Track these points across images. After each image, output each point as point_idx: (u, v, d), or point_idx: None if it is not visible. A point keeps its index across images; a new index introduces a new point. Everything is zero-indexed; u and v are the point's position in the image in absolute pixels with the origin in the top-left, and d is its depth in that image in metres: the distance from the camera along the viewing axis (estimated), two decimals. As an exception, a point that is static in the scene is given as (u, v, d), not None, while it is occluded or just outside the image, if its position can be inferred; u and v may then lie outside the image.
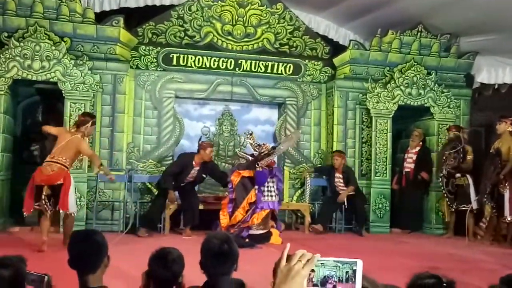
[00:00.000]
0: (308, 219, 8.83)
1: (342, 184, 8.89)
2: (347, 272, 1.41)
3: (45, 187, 6.39)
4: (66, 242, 5.67)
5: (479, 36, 9.26)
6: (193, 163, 8.02)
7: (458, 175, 8.65)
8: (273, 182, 7.70)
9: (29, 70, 7.81)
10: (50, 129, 7.03)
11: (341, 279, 1.41)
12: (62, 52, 7.93)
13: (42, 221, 6.48)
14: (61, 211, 6.52)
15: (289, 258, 1.44)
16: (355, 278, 1.41)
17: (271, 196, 7.64)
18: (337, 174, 8.93)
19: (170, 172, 8.03)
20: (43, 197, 6.37)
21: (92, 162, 7.52)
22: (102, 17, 8.61)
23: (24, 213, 6.58)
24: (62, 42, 8.03)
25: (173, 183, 7.95)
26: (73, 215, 6.65)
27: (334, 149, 9.30)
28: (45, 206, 6.39)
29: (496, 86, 9.93)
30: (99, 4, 9.12)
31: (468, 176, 8.61)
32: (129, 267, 4.93)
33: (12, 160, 8.44)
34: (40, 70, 7.86)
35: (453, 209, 8.77)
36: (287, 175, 9.53)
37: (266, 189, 7.62)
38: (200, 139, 8.28)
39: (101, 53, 8.42)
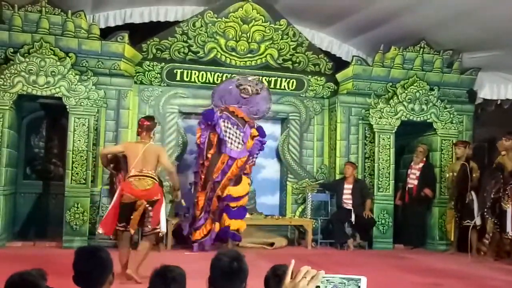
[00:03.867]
0: (310, 234, 8.82)
1: (349, 197, 8.90)
2: (352, 290, 1.42)
3: (139, 205, 5.62)
4: (138, 267, 5.45)
5: (481, 52, 9.30)
6: None
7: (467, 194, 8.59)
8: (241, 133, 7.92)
9: (34, 85, 7.86)
10: (111, 149, 6.24)
11: None
12: (67, 67, 7.98)
13: (123, 248, 5.67)
14: (153, 229, 5.73)
15: (293, 274, 1.45)
16: None
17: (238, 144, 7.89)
18: (346, 186, 8.96)
19: None
20: (142, 214, 5.61)
21: (171, 179, 6.44)
22: (107, 33, 8.68)
23: (105, 235, 6.00)
24: (67, 58, 8.09)
25: None
26: (158, 236, 5.96)
27: (337, 164, 9.32)
28: (132, 226, 5.62)
29: (498, 102, 9.95)
30: (104, 20, 9.23)
31: (472, 192, 8.58)
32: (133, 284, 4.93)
33: (16, 175, 8.46)
34: (45, 86, 7.90)
35: (457, 225, 8.73)
36: (289, 190, 9.53)
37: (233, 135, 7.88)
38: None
39: (105, 69, 8.48)
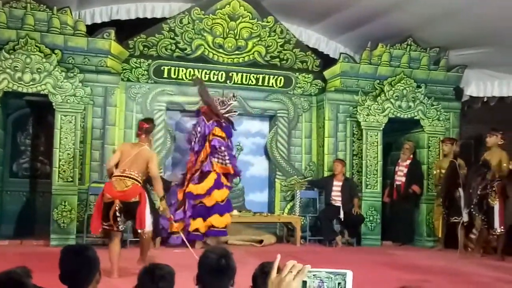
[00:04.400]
0: (299, 231, 8.83)
1: (338, 194, 8.92)
2: (339, 284, 1.42)
3: (116, 204, 5.65)
4: (144, 260, 5.63)
5: (468, 50, 9.36)
6: None
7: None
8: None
9: (20, 82, 7.78)
10: (114, 159, 6.05)
11: None
12: (53, 64, 7.91)
13: (112, 246, 5.72)
14: (138, 230, 5.89)
15: (279, 269, 1.44)
16: None
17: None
18: (335, 182, 8.99)
19: None
20: (114, 214, 5.64)
21: (154, 186, 6.21)
22: (93, 30, 8.62)
23: (93, 233, 6.11)
24: (53, 55, 8.02)
25: None
26: (149, 234, 6.02)
27: (325, 161, 9.34)
28: (115, 224, 5.67)
29: (485, 99, 10.02)
30: (90, 17, 9.16)
31: (459, 188, 8.64)
32: (122, 282, 4.91)
33: (2, 173, 8.38)
34: (31, 83, 7.83)
35: (445, 222, 8.80)
36: (278, 187, 9.54)
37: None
38: None
39: (92, 66, 8.42)
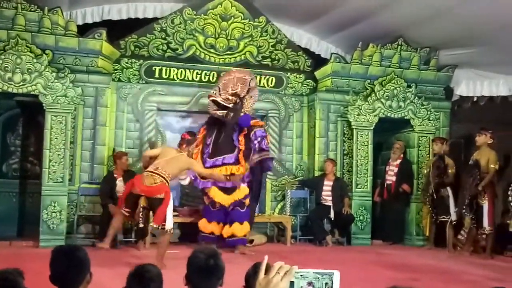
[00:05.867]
0: (289, 231, 8.85)
1: (329, 194, 8.95)
2: (326, 284, 1.44)
3: (142, 198, 6.32)
4: (160, 260, 5.88)
5: (458, 50, 9.41)
6: (115, 175, 8.13)
7: (442, 190, 8.71)
8: None
9: (10, 82, 7.74)
10: (151, 152, 6.99)
11: None
12: (43, 64, 7.88)
13: (114, 221, 6.49)
14: (154, 225, 6.30)
15: (267, 270, 1.46)
16: None
17: None
18: (326, 182, 9.01)
19: (101, 190, 8.10)
20: (140, 208, 6.35)
21: (208, 176, 7.40)
22: (84, 30, 8.59)
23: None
24: (44, 55, 7.99)
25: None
26: (170, 232, 6.31)
27: (316, 161, 9.37)
28: (140, 217, 6.40)
29: (474, 99, 10.07)
30: (81, 17, 9.13)
31: (448, 188, 8.71)
32: (112, 282, 4.90)
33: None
34: (21, 83, 7.79)
35: (433, 221, 8.87)
36: (269, 187, 9.54)
37: None
38: (114, 150, 8.55)
39: (83, 66, 8.40)
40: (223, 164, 7.75)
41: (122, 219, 6.54)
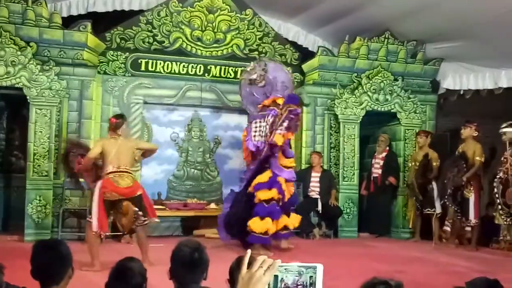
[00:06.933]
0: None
1: (317, 185, 8.95)
2: (311, 277, 1.43)
3: (125, 209, 5.88)
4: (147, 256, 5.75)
5: (444, 43, 9.44)
6: None
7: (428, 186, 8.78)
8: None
9: (-6, 75, 7.66)
10: (93, 151, 6.15)
11: (305, 284, 1.43)
12: (28, 57, 7.80)
13: (95, 239, 5.84)
14: (156, 220, 6.26)
15: (250, 264, 1.44)
16: None
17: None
18: (313, 174, 9.02)
19: None
20: (132, 212, 5.85)
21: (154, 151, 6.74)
22: (69, 22, 8.50)
23: (101, 233, 5.92)
24: (28, 47, 7.89)
25: None
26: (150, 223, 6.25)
27: (303, 154, 9.37)
28: (134, 223, 5.92)
29: (461, 92, 10.11)
30: (66, 9, 9.01)
31: (433, 181, 8.76)
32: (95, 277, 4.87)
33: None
34: (5, 76, 7.71)
35: (418, 213, 8.93)
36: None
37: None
38: None
39: (68, 58, 8.31)
40: None
41: (98, 240, 5.94)
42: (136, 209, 5.89)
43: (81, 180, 6.88)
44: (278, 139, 6.94)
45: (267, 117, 7.18)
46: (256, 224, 6.90)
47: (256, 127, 7.26)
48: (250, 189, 7.19)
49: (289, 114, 6.98)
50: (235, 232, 7.26)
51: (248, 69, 7.94)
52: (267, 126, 7.10)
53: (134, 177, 6.17)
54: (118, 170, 5.96)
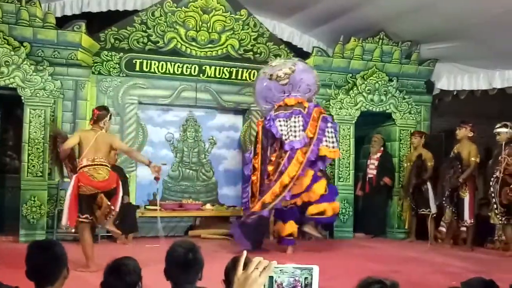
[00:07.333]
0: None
1: None
2: (306, 278, 1.42)
3: (99, 201, 5.77)
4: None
5: (439, 44, 9.46)
6: None
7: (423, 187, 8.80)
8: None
9: (-13, 76, 7.62)
10: (69, 141, 6.06)
11: (301, 285, 1.42)
12: (21, 57, 7.76)
13: (88, 237, 5.83)
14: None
15: (245, 265, 1.44)
16: None
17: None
18: None
19: None
20: (107, 205, 5.75)
21: (136, 158, 6.84)
22: (63, 22, 8.47)
23: (70, 226, 5.99)
24: (22, 47, 7.86)
25: None
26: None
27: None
28: (106, 216, 5.80)
29: (455, 93, 10.14)
30: (60, 9, 8.99)
31: (427, 181, 8.79)
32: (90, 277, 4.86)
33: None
34: (-1, 76, 7.68)
35: (414, 214, 8.95)
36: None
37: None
38: None
39: (62, 59, 8.28)
40: None
41: (89, 229, 5.90)
42: (109, 203, 5.81)
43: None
44: (333, 154, 7.46)
45: (295, 117, 7.23)
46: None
47: (290, 125, 7.20)
48: (305, 198, 7.29)
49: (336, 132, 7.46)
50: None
51: (273, 64, 7.81)
52: (300, 127, 7.17)
53: (111, 170, 6.06)
54: (93, 163, 5.87)
